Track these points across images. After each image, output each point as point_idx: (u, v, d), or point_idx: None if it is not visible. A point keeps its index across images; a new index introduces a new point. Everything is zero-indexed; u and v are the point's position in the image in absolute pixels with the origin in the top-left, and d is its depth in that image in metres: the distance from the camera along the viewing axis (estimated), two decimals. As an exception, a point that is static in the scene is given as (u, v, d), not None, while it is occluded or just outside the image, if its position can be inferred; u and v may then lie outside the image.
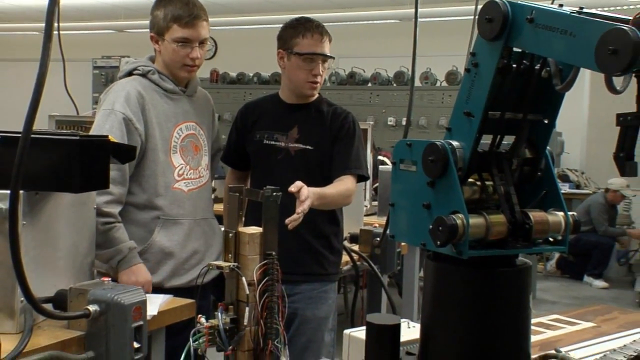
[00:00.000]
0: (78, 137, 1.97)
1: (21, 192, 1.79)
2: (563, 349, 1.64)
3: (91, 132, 2.66)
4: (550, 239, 1.41)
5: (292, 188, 2.57)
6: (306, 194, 2.59)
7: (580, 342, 1.94)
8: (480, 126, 1.37)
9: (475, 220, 1.32)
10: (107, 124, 2.65)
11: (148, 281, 2.63)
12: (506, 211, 1.36)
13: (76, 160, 1.94)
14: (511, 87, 1.37)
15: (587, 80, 10.20)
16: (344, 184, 2.97)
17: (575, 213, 1.42)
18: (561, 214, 1.39)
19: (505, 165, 1.41)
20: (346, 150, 3.02)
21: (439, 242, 1.32)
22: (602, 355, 1.50)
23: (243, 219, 1.62)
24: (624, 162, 1.25)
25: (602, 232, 8.70)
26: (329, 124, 3.01)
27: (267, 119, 3.05)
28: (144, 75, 2.79)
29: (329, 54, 2.97)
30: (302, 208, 2.57)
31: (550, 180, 1.45)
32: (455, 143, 1.38)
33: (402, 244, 4.20)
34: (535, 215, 1.36)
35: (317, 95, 3.07)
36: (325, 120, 3.01)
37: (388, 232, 1.59)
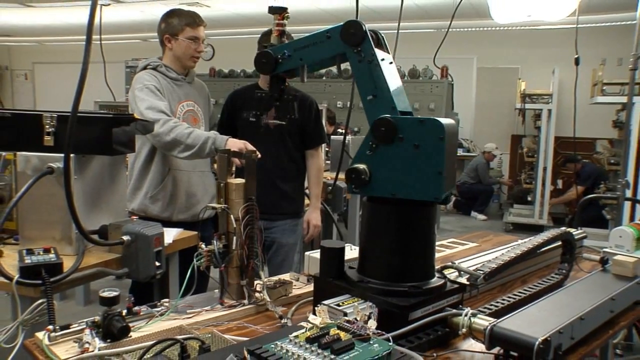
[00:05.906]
0: (112, 115, 1.93)
1: (72, 155, 1.77)
2: (456, 262, 1.67)
3: (136, 105, 2.58)
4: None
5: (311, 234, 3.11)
6: (318, 225, 3.10)
7: (468, 257, 1.98)
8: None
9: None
10: (143, 94, 2.60)
11: (245, 142, 2.44)
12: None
13: (110, 132, 1.90)
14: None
15: (474, 76, 10.21)
16: (316, 163, 3.07)
17: (365, 167, 1.33)
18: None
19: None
20: (316, 129, 3.06)
21: None
22: (482, 264, 1.52)
23: (233, 173, 1.59)
24: None
25: (486, 182, 9.07)
26: (298, 106, 2.97)
27: (252, 102, 2.99)
28: (154, 68, 2.76)
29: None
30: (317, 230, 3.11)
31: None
32: None
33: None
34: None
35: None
36: (293, 103, 2.96)
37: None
